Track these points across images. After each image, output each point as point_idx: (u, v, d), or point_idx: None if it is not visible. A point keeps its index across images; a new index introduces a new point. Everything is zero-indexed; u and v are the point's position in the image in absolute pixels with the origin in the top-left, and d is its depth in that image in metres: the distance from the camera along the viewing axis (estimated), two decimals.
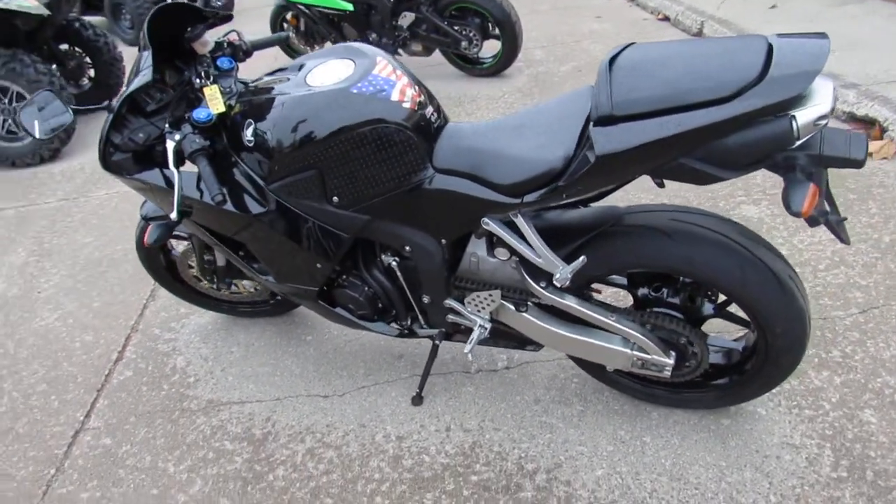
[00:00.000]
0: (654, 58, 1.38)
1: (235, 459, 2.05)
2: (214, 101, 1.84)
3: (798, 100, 1.24)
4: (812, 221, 1.38)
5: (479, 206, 1.62)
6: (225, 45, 2.00)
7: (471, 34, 4.88)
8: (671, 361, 1.73)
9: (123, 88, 1.86)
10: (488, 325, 1.87)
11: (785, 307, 1.57)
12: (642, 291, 1.79)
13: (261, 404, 2.25)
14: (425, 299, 1.92)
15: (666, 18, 6.02)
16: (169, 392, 2.37)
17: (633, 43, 1.47)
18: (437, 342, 2.05)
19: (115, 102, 1.85)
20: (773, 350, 1.66)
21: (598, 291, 1.94)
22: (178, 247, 2.47)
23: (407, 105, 1.65)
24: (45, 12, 4.48)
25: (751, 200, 3.03)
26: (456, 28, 4.87)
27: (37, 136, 1.75)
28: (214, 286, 2.42)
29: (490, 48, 5.06)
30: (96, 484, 2.03)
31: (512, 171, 1.55)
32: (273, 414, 2.20)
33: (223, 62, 1.98)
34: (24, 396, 2.45)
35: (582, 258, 1.59)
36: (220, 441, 2.12)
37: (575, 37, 5.85)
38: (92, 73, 5.54)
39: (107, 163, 1.90)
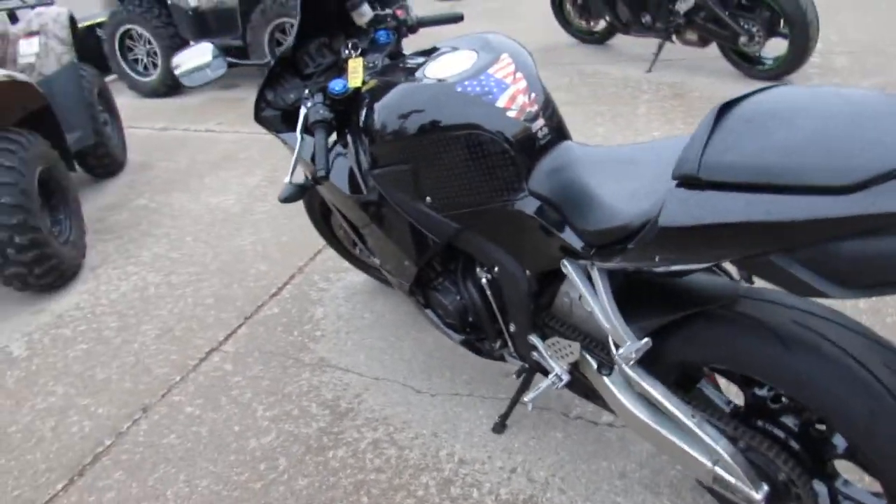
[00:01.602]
0: (785, 110, 1.00)
1: (312, 424, 2.09)
2: (354, 75, 1.80)
3: None
4: None
5: (558, 245, 1.38)
6: (388, 18, 1.95)
7: (753, 29, 4.24)
8: (759, 497, 1.32)
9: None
10: (565, 377, 1.61)
11: None
12: (758, 394, 1.39)
13: (360, 378, 2.26)
14: (512, 327, 1.72)
15: None
16: (296, 339, 2.49)
17: (777, 84, 1.08)
18: (516, 376, 1.84)
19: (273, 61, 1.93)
20: None
21: (712, 378, 1.56)
22: None
23: (512, 114, 1.45)
24: None
25: None
26: (739, 21, 4.26)
27: (199, 83, 1.90)
28: (355, 247, 2.46)
29: (776, 48, 4.35)
30: (201, 403, 2.23)
31: (591, 214, 1.28)
32: (365, 391, 2.20)
33: (381, 35, 1.94)
34: (194, 305, 2.77)
35: (646, 341, 1.27)
36: (310, 402, 2.18)
37: None
38: None
39: (258, 115, 1.99)
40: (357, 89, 1.78)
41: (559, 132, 1.53)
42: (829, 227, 0.89)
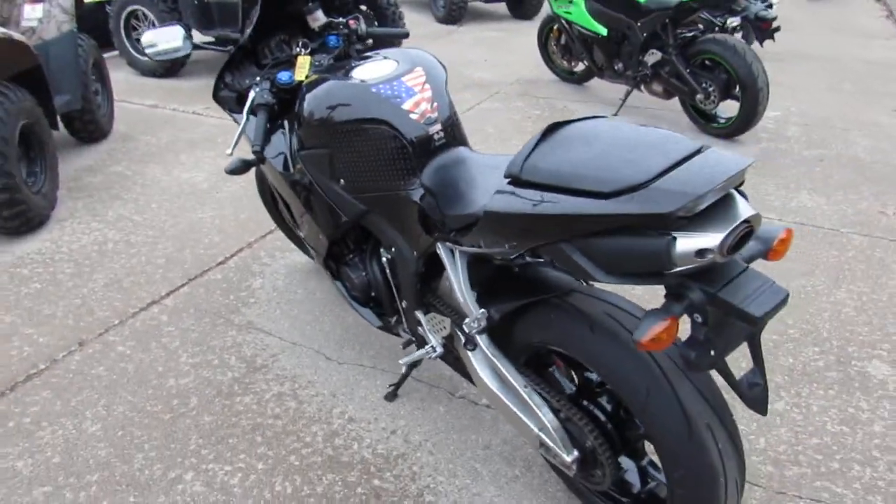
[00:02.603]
0: (590, 135, 1.29)
1: (227, 374, 2.33)
2: (301, 69, 2.08)
3: (681, 220, 1.08)
4: (690, 365, 1.19)
5: (433, 229, 1.65)
6: (340, 26, 2.23)
7: (710, 89, 4.58)
8: (569, 459, 1.58)
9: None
10: (439, 350, 1.87)
11: (687, 456, 1.35)
12: (586, 376, 1.65)
13: (280, 342, 2.50)
14: (404, 303, 1.98)
15: None
16: (230, 303, 2.74)
17: (597, 116, 1.37)
18: (403, 347, 2.10)
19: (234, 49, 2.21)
20: (674, 499, 1.45)
21: (561, 366, 1.82)
22: None
23: (414, 117, 1.73)
24: None
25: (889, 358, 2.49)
26: (699, 79, 4.60)
27: (165, 58, 2.16)
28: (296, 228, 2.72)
29: (732, 110, 4.68)
30: (133, 344, 2.47)
31: (456, 204, 1.55)
32: (281, 353, 2.44)
33: (331, 39, 2.22)
34: (146, 262, 3.01)
35: (482, 311, 1.54)
36: (230, 355, 2.42)
37: (848, 124, 5.11)
38: None
39: (215, 95, 2.26)
40: (300, 82, 2.06)
41: (456, 138, 1.80)
42: (591, 223, 1.18)
